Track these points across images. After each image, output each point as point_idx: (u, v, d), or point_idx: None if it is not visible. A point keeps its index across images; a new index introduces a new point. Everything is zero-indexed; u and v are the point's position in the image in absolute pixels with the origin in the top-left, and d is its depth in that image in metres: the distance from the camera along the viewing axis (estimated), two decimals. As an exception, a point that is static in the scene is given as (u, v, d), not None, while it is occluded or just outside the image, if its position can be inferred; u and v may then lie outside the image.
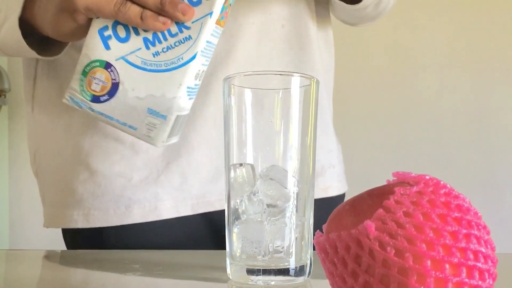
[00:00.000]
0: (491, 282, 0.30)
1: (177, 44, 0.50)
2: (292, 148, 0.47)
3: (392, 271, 0.28)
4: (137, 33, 0.51)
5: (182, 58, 0.50)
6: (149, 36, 0.51)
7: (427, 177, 0.32)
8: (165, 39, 0.50)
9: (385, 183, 0.34)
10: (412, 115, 1.71)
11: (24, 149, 1.70)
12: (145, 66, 0.51)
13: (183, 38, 0.50)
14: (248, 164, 0.47)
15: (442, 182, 0.32)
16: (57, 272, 0.56)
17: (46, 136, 0.74)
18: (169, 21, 0.50)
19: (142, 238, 0.70)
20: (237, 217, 0.47)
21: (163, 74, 0.51)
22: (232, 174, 0.47)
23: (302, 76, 0.48)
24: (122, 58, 0.51)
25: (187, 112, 0.55)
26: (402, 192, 0.31)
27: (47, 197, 0.75)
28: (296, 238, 0.47)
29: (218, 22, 0.51)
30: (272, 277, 0.46)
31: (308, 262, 0.47)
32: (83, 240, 0.73)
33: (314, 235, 0.34)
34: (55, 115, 0.72)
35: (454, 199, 0.31)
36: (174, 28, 0.50)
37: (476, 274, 0.29)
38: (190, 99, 0.53)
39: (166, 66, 0.50)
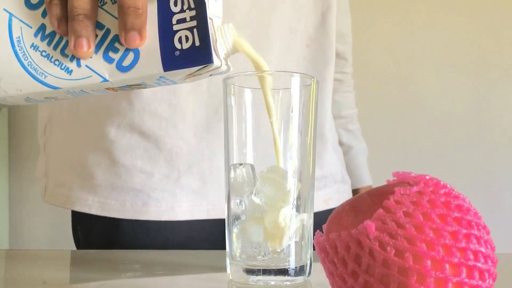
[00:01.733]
0: (491, 282, 0.30)
1: (56, 62, 0.43)
2: (292, 148, 0.47)
3: (392, 271, 0.28)
4: (44, 14, 0.44)
5: (45, 76, 0.44)
6: (49, 28, 0.43)
7: (427, 177, 0.32)
8: (55, 47, 0.44)
9: (385, 183, 0.34)
10: (412, 115, 1.70)
11: (24, 149, 1.71)
12: (15, 45, 0.44)
13: (64, 66, 0.43)
14: (248, 164, 0.47)
15: (442, 182, 0.32)
16: (57, 272, 0.56)
17: (65, 113, 0.74)
18: (64, 33, 0.42)
19: (158, 235, 0.70)
20: (237, 217, 0.47)
21: (19, 67, 0.44)
22: (232, 174, 0.47)
23: (302, 76, 0.48)
24: (10, 15, 0.44)
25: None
26: (402, 192, 0.31)
27: (54, 173, 0.75)
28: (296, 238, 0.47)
29: (112, 89, 0.45)
30: (272, 277, 0.46)
31: (308, 262, 0.47)
32: (98, 229, 0.73)
33: (314, 235, 0.34)
34: None
35: (454, 199, 0.31)
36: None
37: (476, 274, 0.29)
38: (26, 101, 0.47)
39: (29, 66, 0.44)
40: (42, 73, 0.44)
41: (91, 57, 0.43)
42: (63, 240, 1.51)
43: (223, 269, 0.49)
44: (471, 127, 1.68)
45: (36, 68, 0.44)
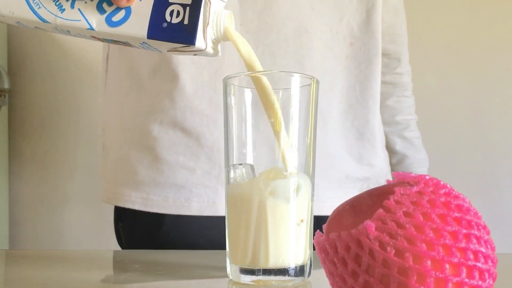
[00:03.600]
0: (491, 282, 0.30)
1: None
2: (292, 148, 0.47)
3: (392, 271, 0.28)
4: None
5: (39, 7, 0.45)
6: None
7: (427, 177, 0.32)
8: None
9: (385, 183, 0.34)
10: (412, 115, 1.70)
11: (24, 149, 1.71)
12: None
13: (59, 3, 0.45)
14: (248, 164, 0.47)
15: (442, 182, 0.32)
16: (57, 272, 0.56)
17: (114, 112, 0.77)
18: None
19: (200, 231, 0.71)
20: (237, 217, 0.47)
21: None
22: (232, 174, 0.47)
23: (302, 76, 0.48)
24: None
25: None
26: (402, 192, 0.31)
27: (108, 172, 0.77)
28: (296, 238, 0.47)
29: (98, 39, 0.46)
30: (272, 277, 0.46)
31: (308, 262, 0.47)
32: (141, 226, 0.74)
33: (314, 235, 0.34)
34: (124, 93, 0.75)
35: (454, 199, 0.31)
36: None
37: (476, 274, 0.29)
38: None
39: None
40: (37, 3, 0.45)
41: (85, 2, 0.44)
42: (63, 240, 1.51)
43: (223, 269, 0.49)
44: (471, 127, 1.68)
45: (38, 4, 0.45)
